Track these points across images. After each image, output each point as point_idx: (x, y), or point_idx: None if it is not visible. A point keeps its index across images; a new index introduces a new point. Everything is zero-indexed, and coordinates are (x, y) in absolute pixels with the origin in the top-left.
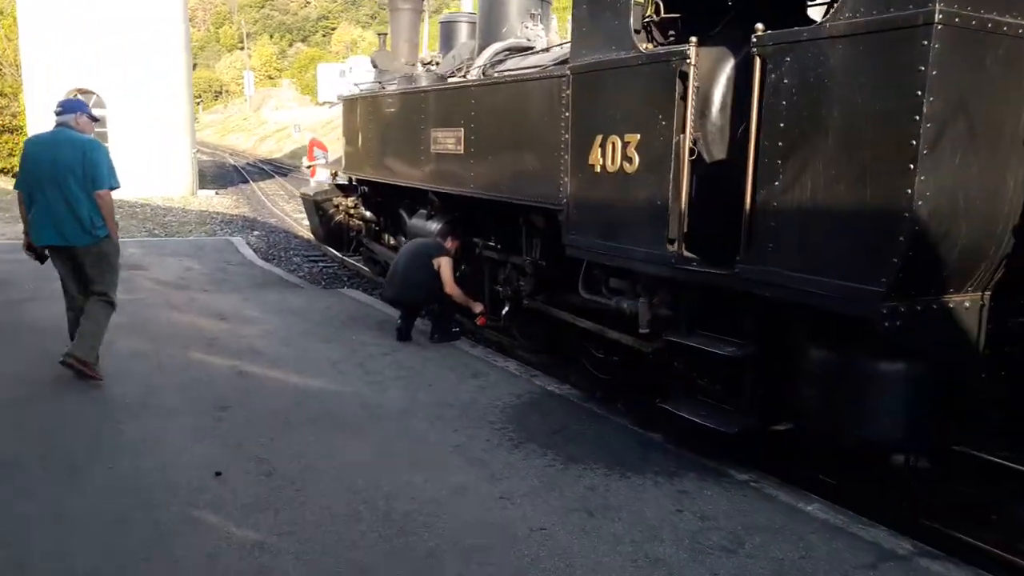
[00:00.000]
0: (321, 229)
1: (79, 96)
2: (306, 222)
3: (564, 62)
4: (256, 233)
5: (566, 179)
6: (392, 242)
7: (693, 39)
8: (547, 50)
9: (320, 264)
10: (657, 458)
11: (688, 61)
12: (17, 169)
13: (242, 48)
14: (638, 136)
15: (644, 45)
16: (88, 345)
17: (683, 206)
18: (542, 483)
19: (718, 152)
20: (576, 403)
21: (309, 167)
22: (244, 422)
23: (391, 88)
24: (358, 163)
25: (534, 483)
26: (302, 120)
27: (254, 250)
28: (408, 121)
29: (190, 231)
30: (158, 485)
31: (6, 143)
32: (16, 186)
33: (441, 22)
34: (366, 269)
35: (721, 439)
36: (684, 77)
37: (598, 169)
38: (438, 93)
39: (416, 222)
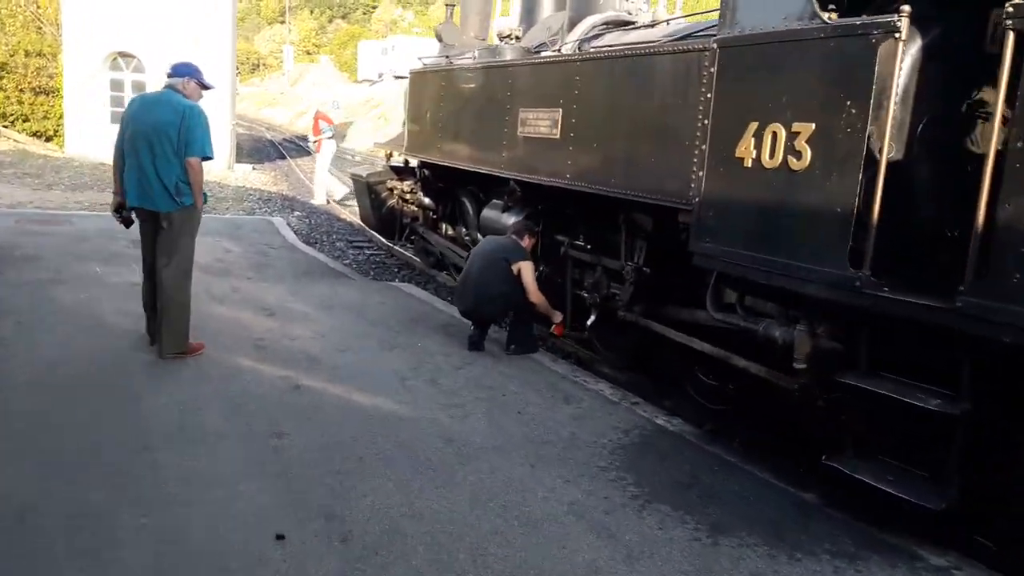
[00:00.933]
0: (372, 215)
1: (120, 58)
2: (349, 204)
3: (684, 37)
4: (296, 214)
5: (700, 174)
6: (451, 232)
7: (906, 8)
8: (652, 25)
9: (367, 251)
10: (823, 529)
11: (897, 35)
12: (53, 133)
13: (283, 22)
14: (812, 126)
15: (828, 15)
16: (176, 337)
17: (875, 217)
18: (693, 567)
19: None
20: (695, 444)
21: (315, 142)
22: (306, 456)
23: (466, 62)
24: (422, 144)
25: (683, 566)
26: (341, 97)
27: (295, 232)
28: (489, 100)
29: (227, 208)
30: (205, 553)
31: (40, 105)
32: (116, 145)
33: None
34: (418, 260)
35: (903, 508)
36: (888, 55)
37: (749, 163)
38: (531, 69)
39: (490, 214)
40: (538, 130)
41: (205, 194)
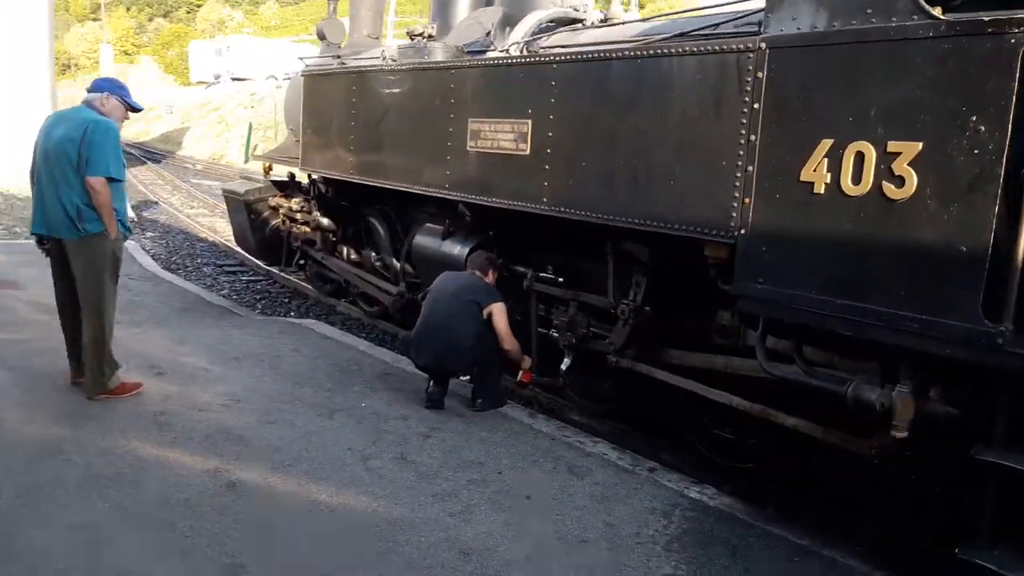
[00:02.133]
0: (252, 237)
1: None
2: (205, 221)
3: (682, 35)
4: (149, 234)
5: (745, 200)
6: (354, 256)
7: None
8: (605, 22)
9: (243, 278)
10: None
11: None
12: None
13: (96, 19)
14: (919, 145)
15: (937, 9)
16: (97, 374)
17: (1021, 259)
18: None
19: None
20: (753, 524)
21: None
22: None
23: (375, 63)
24: (325, 158)
25: None
26: (174, 101)
27: (153, 258)
28: (424, 108)
29: None
30: None
31: None
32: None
33: None
34: (310, 288)
35: None
36: None
37: (821, 189)
38: (486, 72)
39: (426, 241)
40: (497, 144)
41: (123, 222)
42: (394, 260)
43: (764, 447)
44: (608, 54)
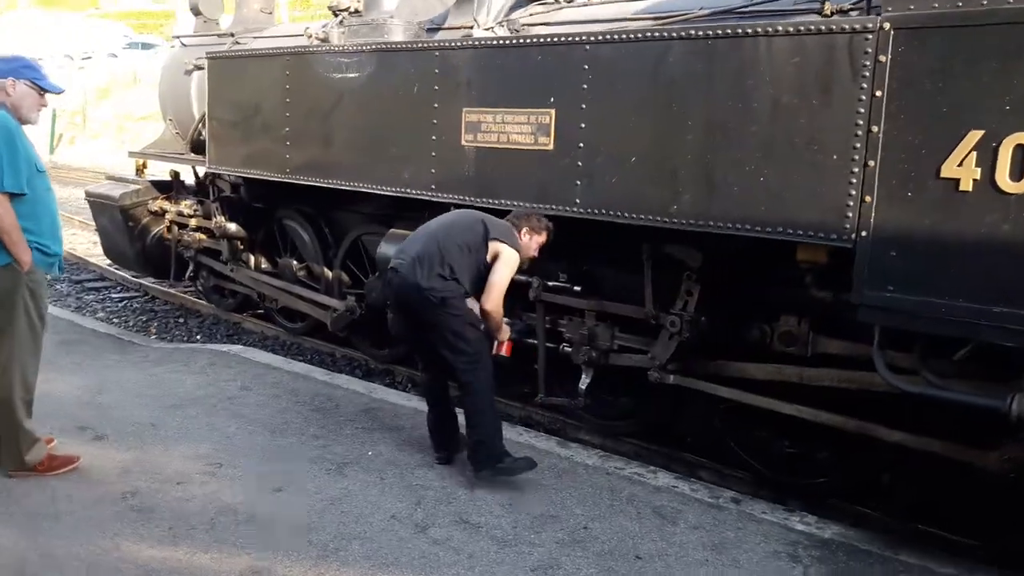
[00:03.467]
0: (130, 248)
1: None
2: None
3: (730, 11)
4: None
5: (868, 198)
6: (266, 266)
7: None
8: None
9: (114, 295)
10: None
11: None
12: None
13: None
14: None
15: None
16: (11, 446)
17: None
18: None
19: None
20: (892, 558)
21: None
22: None
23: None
24: (243, 155)
25: None
26: None
27: None
28: (396, 96)
29: None
30: None
31: None
32: None
33: None
34: (204, 303)
35: None
36: None
37: (968, 186)
38: (486, 55)
39: (389, 250)
40: (507, 139)
41: (45, 249)
42: (325, 269)
43: (833, 461)
44: (667, 34)
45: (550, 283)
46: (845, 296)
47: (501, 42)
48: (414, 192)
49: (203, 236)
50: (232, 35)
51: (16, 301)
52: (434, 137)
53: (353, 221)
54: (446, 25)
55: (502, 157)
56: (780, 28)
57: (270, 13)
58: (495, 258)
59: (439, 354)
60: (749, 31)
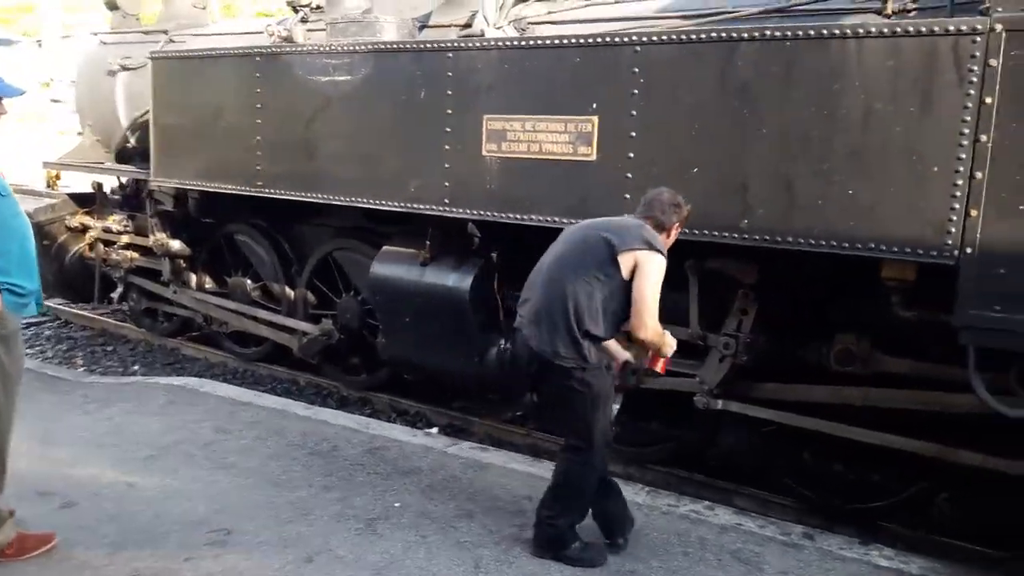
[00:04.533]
0: (47, 269)
1: None
2: None
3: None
4: None
5: (974, 212)
6: (210, 285)
7: None
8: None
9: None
10: None
11: None
12: None
13: None
14: None
15: None
16: None
17: None
18: None
19: None
20: None
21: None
22: None
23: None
24: (199, 166)
25: None
26: None
27: None
28: (400, 102)
29: None
30: None
31: None
32: None
33: None
34: (130, 327)
35: None
36: None
37: None
38: (513, 56)
39: (391, 270)
40: (539, 148)
41: (13, 290)
42: (287, 288)
43: (889, 484)
44: (736, 34)
45: None
46: (928, 314)
47: (533, 43)
48: (421, 207)
49: (135, 254)
50: (165, 32)
51: None
52: (447, 147)
53: (320, 235)
54: (432, 22)
55: (533, 169)
56: (873, 29)
57: (203, 8)
58: (634, 270)
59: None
60: (836, 32)
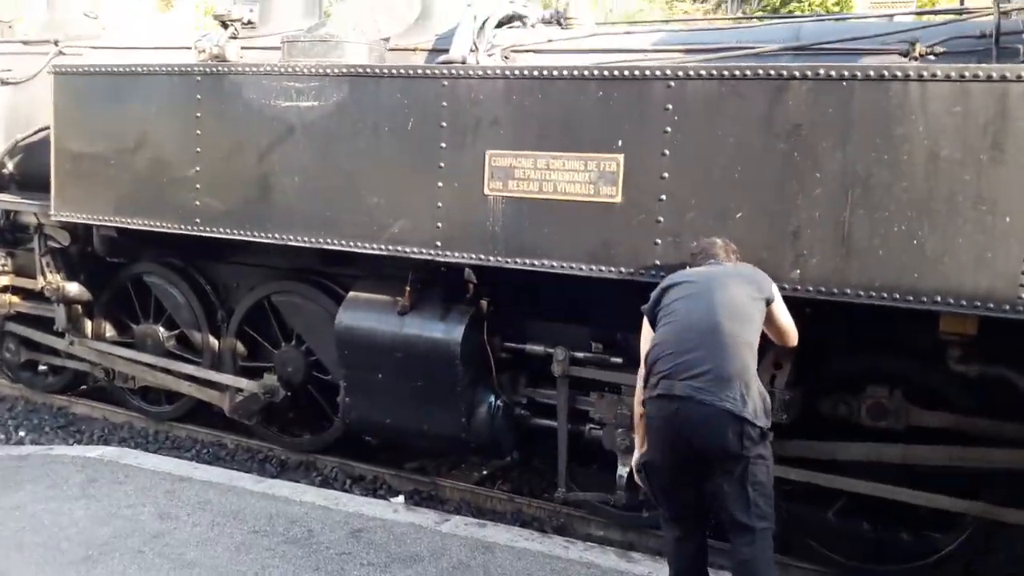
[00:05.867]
0: None
1: None
2: None
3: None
4: None
5: None
6: (111, 334)
7: None
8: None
9: None
10: None
11: None
12: None
13: None
14: None
15: None
16: None
17: None
18: None
19: None
20: None
21: None
22: None
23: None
24: (115, 199)
25: None
26: None
27: None
28: (377, 132)
29: None
30: None
31: None
32: None
33: None
34: (8, 384)
35: None
36: None
37: None
38: (523, 86)
39: (365, 320)
40: (552, 188)
41: None
42: (210, 337)
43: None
44: (783, 72)
45: (579, 354)
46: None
47: (548, 73)
48: (408, 250)
49: (14, 298)
50: (55, 43)
51: None
52: (440, 184)
53: (251, 277)
54: (393, 46)
55: (546, 210)
56: (938, 72)
57: (95, 18)
58: (768, 307)
59: (723, 510)
60: (898, 74)
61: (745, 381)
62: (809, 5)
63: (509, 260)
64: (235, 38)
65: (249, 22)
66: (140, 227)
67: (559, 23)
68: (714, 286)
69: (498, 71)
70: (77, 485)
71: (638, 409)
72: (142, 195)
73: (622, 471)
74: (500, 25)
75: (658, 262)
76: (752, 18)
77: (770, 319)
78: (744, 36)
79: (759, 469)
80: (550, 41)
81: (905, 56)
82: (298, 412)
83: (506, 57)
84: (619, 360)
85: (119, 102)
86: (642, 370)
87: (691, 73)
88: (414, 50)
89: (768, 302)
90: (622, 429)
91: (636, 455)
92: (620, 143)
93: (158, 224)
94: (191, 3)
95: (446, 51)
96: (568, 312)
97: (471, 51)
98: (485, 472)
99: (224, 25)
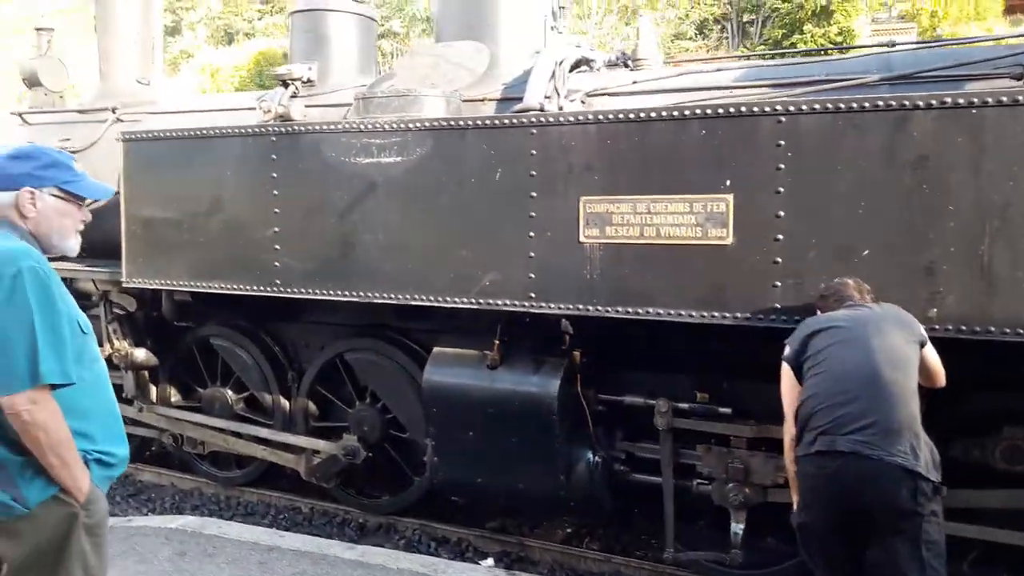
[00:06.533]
0: None
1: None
2: None
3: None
4: None
5: None
6: (177, 399)
7: None
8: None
9: None
10: None
11: None
12: None
13: None
14: None
15: None
16: None
17: None
18: None
19: None
20: None
21: None
22: None
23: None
24: (188, 265)
25: None
26: None
27: None
28: (459, 185)
29: None
30: None
31: None
32: None
33: (297, 13)
34: None
35: None
36: None
37: None
38: (620, 131)
39: (452, 377)
40: (655, 232)
41: (103, 459)
42: (281, 398)
43: None
44: (905, 103)
45: (683, 405)
46: None
47: (644, 116)
48: (498, 303)
49: None
50: (112, 110)
51: (68, 554)
52: (532, 234)
53: (321, 335)
54: (472, 96)
55: (648, 255)
56: None
57: (147, 83)
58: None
59: (894, 573)
60: None
61: (914, 432)
62: (812, 38)
63: (610, 309)
64: (295, 96)
65: (308, 80)
66: (217, 291)
67: (626, 65)
68: (868, 331)
69: (590, 116)
70: (167, 559)
71: (791, 467)
72: (218, 258)
73: (736, 528)
74: (571, 70)
75: (777, 305)
76: (832, 49)
77: (921, 362)
78: (832, 69)
79: (932, 527)
80: (634, 83)
81: (1019, 80)
82: (374, 472)
83: (583, 101)
84: (727, 411)
85: (190, 165)
86: (789, 424)
87: (803, 107)
88: (482, 100)
89: (922, 344)
90: (733, 484)
91: (794, 515)
92: (728, 182)
93: (236, 287)
94: (195, 67)
95: (516, 99)
96: (667, 361)
97: (546, 97)
98: (570, 530)
99: (285, 84)
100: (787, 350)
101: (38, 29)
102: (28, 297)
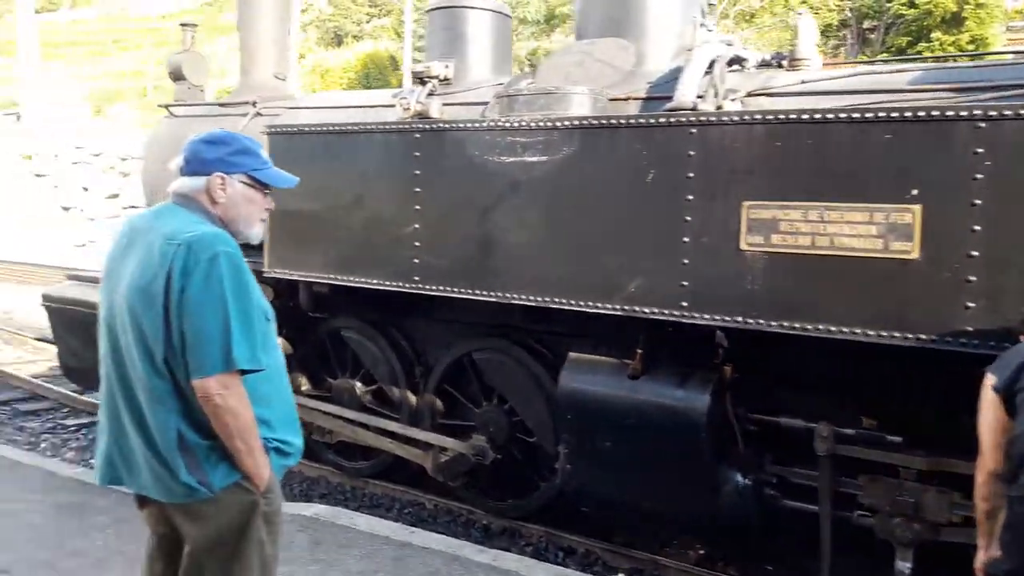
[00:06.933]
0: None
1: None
2: None
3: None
4: None
5: None
6: (306, 387)
7: None
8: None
9: (58, 418)
10: None
11: None
12: None
13: None
14: None
15: None
16: None
17: None
18: None
19: None
20: None
21: None
22: None
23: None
24: (328, 257)
25: None
26: None
27: None
28: (605, 185)
29: None
30: None
31: None
32: None
33: (434, 10)
34: None
35: None
36: None
37: None
38: (791, 131)
39: (591, 385)
40: (828, 242)
41: (281, 448)
42: (408, 393)
43: None
44: None
45: (847, 431)
46: None
47: (820, 117)
48: (646, 311)
49: None
50: (253, 104)
51: (247, 541)
52: (686, 239)
53: (449, 333)
54: (617, 95)
55: (819, 267)
56: None
57: (284, 79)
58: None
59: None
60: None
61: None
62: (941, 45)
63: (773, 323)
64: (432, 94)
65: (445, 79)
66: (356, 285)
67: (780, 65)
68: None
69: (758, 116)
70: (304, 547)
71: (983, 505)
72: (357, 253)
73: (902, 566)
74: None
75: (968, 328)
76: (994, 53)
77: None
78: (1000, 75)
79: None
80: (803, 83)
81: None
82: (497, 474)
83: (742, 102)
84: (897, 439)
85: (333, 160)
86: (987, 459)
87: (1007, 113)
88: (627, 99)
89: None
90: (900, 519)
91: (981, 557)
92: (915, 192)
93: (375, 282)
94: (306, 68)
95: (663, 99)
96: (829, 381)
97: (699, 96)
98: (703, 552)
99: (422, 82)
100: (994, 379)
101: (183, 25)
102: (224, 282)
